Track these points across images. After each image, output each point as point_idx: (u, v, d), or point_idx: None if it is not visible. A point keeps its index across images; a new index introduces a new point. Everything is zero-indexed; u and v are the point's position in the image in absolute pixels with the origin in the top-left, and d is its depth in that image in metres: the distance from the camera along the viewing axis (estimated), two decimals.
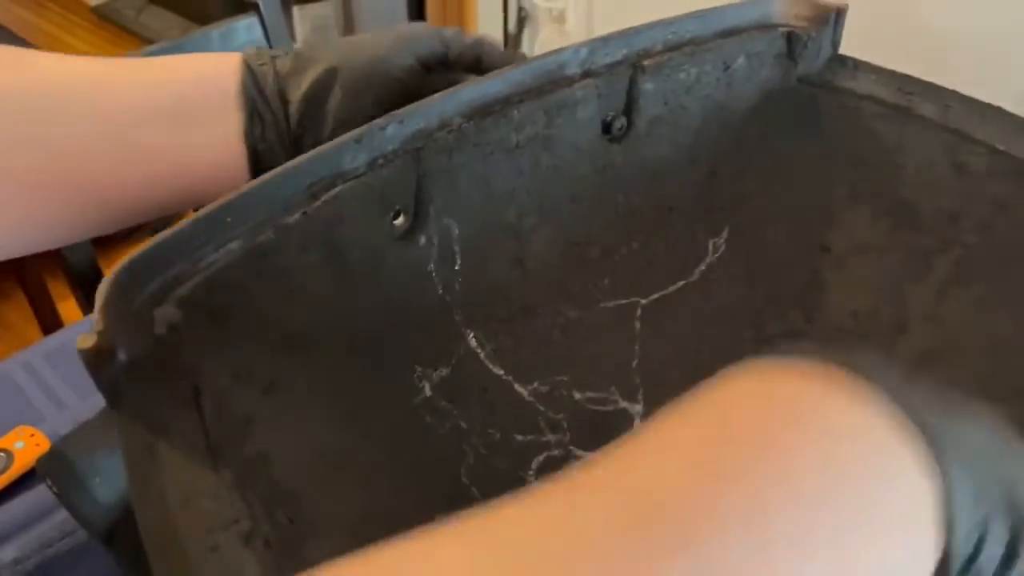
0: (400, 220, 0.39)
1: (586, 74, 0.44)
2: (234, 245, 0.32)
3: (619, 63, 0.45)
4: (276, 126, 0.42)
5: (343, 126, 0.42)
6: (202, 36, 0.88)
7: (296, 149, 0.43)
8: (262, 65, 0.42)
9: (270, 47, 0.94)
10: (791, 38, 0.50)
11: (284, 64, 0.43)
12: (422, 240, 0.40)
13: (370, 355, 0.38)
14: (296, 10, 1.70)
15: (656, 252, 0.50)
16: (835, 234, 0.49)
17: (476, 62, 0.46)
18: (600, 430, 0.44)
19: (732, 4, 0.50)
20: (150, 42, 0.99)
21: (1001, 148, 0.46)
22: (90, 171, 0.39)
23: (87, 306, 0.87)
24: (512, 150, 0.42)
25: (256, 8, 0.91)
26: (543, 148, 0.43)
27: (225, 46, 0.88)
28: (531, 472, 0.40)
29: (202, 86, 0.41)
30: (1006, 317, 0.44)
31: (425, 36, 0.45)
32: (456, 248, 0.41)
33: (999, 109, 0.48)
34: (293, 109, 0.42)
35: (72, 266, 0.84)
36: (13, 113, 0.38)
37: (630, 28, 0.46)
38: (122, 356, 0.28)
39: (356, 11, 1.68)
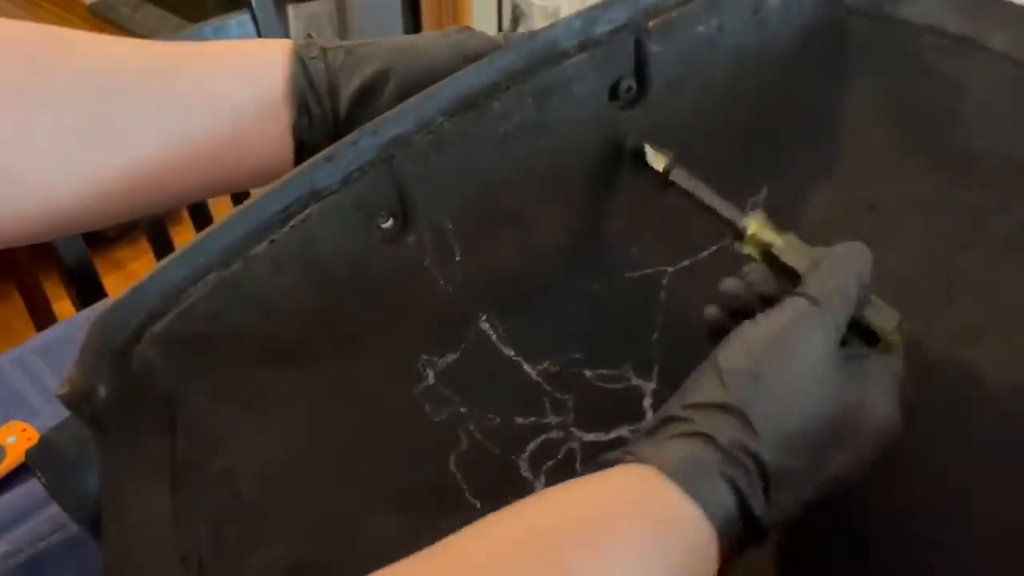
0: (389, 224, 0.41)
1: (583, 46, 0.42)
2: (210, 277, 0.36)
3: (621, 28, 0.43)
4: (323, 121, 0.43)
5: None
6: (194, 33, 0.89)
7: None
8: (313, 58, 0.42)
9: None
10: None
11: (336, 58, 0.43)
12: (411, 240, 0.41)
13: (362, 352, 0.41)
14: (290, 8, 1.68)
15: (686, 216, 0.47)
16: (884, 190, 0.44)
17: None
18: (606, 409, 0.44)
19: None
20: (144, 39, 1.01)
21: None
22: (146, 157, 0.41)
23: (81, 304, 0.88)
24: (500, 140, 0.42)
25: (249, 5, 0.90)
26: (537, 133, 0.42)
27: None
28: (524, 456, 0.42)
29: (256, 76, 0.42)
30: None
31: (478, 44, 0.43)
32: (452, 242, 0.43)
33: None
34: (342, 106, 0.42)
35: (66, 264, 0.86)
36: (72, 98, 0.40)
37: None
38: (101, 393, 0.33)
39: (350, 9, 1.63)
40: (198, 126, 0.41)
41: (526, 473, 0.42)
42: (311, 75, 0.42)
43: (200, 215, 0.99)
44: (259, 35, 0.92)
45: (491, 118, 0.41)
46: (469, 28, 0.45)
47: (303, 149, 0.43)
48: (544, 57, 0.41)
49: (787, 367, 0.31)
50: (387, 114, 0.39)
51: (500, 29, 1.75)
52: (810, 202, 0.46)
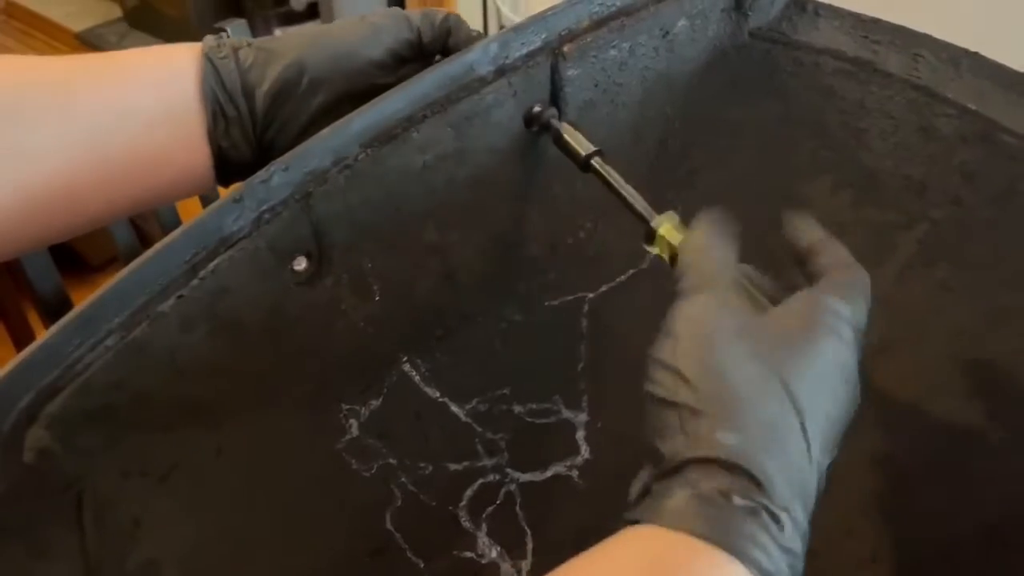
0: (303, 266, 0.38)
1: (500, 72, 0.41)
2: (110, 341, 0.32)
3: (537, 51, 0.41)
4: (240, 123, 0.40)
5: (315, 123, 0.40)
6: None
7: (264, 148, 0.41)
8: (223, 58, 0.40)
9: None
10: None
11: (247, 56, 0.40)
12: (329, 282, 0.38)
13: (284, 406, 0.38)
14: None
15: (604, 240, 0.47)
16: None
17: (446, 44, 0.42)
18: (540, 446, 0.43)
19: None
20: None
21: (972, 107, 0.41)
22: (56, 175, 0.38)
23: None
24: (420, 172, 0.39)
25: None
26: (457, 163, 0.40)
27: None
28: (463, 505, 0.40)
29: (164, 82, 0.40)
30: (967, 302, 0.40)
31: (393, 25, 0.41)
32: (371, 281, 0.40)
33: (976, 56, 0.42)
34: (258, 105, 0.40)
35: (41, 296, 0.83)
36: None
37: (552, 7, 0.42)
38: None
39: None
40: (106, 138, 0.39)
41: (466, 523, 0.40)
42: (222, 76, 0.39)
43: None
44: None
45: (410, 149, 0.39)
46: (395, 9, 0.42)
47: (223, 154, 0.40)
48: (462, 84, 0.39)
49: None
50: (299, 147, 0.36)
51: None
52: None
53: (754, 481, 0.26)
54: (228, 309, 0.35)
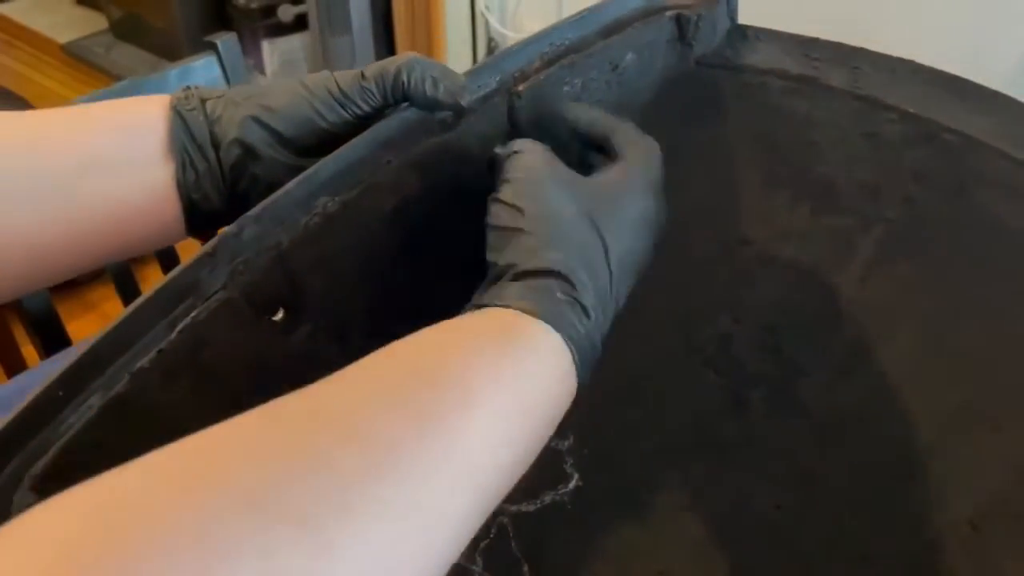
0: (280, 316, 0.38)
1: (458, 114, 0.42)
2: (93, 400, 0.32)
3: (493, 93, 0.43)
4: (210, 174, 0.40)
5: (290, 173, 0.39)
6: (159, 77, 0.89)
7: (237, 198, 0.41)
8: (192, 110, 0.40)
9: (228, 85, 0.93)
10: (680, 20, 0.47)
11: (216, 108, 0.41)
12: (308, 329, 0.39)
13: None
14: (265, 44, 1.70)
15: None
16: (755, 225, 0.47)
17: (407, 91, 0.41)
18: (528, 476, 0.43)
19: None
20: (119, 78, 1.01)
21: (912, 111, 0.43)
22: (21, 226, 0.39)
23: (45, 353, 0.88)
24: (390, 215, 0.40)
25: (214, 47, 0.90)
26: (425, 204, 0.41)
27: (183, 85, 0.89)
28: None
29: (132, 135, 0.40)
30: (932, 297, 0.42)
31: (350, 90, 0.41)
32: (349, 325, 0.40)
33: (911, 64, 0.45)
34: (225, 157, 0.40)
35: (29, 313, 0.86)
36: None
37: (503, 50, 0.44)
38: None
39: (326, 46, 1.66)
40: (74, 192, 0.39)
41: (462, 560, 0.40)
42: (191, 128, 0.40)
43: (165, 252, 0.94)
44: (225, 76, 0.92)
45: (378, 193, 0.40)
46: (352, 75, 0.42)
47: (194, 206, 0.41)
48: (423, 128, 0.41)
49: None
50: (269, 199, 0.37)
51: (475, 61, 1.75)
52: (685, 244, 0.48)
53: (571, 284, 0.34)
54: (209, 362, 0.35)
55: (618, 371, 0.47)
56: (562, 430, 0.46)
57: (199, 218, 0.42)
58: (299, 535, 0.23)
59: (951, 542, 0.38)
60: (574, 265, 0.34)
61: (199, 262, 0.35)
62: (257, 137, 0.40)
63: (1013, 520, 0.37)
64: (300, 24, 1.70)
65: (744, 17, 0.49)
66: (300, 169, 0.40)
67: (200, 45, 0.93)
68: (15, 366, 1.05)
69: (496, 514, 0.42)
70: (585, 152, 0.43)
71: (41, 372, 0.80)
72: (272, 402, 0.28)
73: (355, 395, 0.29)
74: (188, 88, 0.41)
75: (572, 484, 0.43)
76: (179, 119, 0.40)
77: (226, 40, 0.92)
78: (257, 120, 0.40)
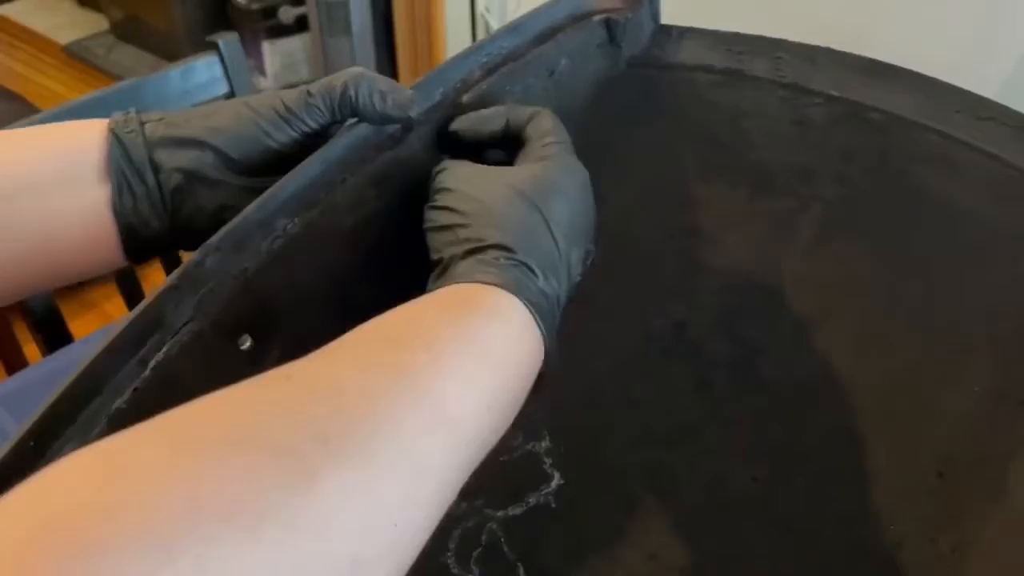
0: (248, 344, 0.37)
1: (407, 128, 0.42)
2: (69, 448, 0.30)
3: (438, 105, 0.43)
4: (149, 198, 0.39)
5: (233, 198, 0.39)
6: (160, 76, 0.87)
7: (180, 224, 0.40)
8: (130, 133, 0.39)
9: (230, 85, 0.92)
10: (609, 24, 0.48)
11: (155, 131, 0.39)
12: (277, 354, 0.38)
13: None
14: (266, 45, 1.68)
15: None
16: (699, 213, 0.49)
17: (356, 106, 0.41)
18: (510, 481, 0.43)
19: (543, 4, 0.48)
20: (120, 79, 0.99)
21: (836, 94, 0.46)
22: None
23: (47, 350, 0.88)
24: (349, 233, 0.40)
25: (216, 47, 0.88)
26: (382, 219, 0.41)
27: (185, 84, 0.89)
28: (450, 553, 0.40)
29: (66, 158, 0.39)
30: (871, 270, 0.44)
31: (296, 108, 0.40)
32: (319, 345, 0.40)
33: (828, 51, 0.47)
34: (165, 180, 0.39)
35: (31, 311, 0.86)
36: None
37: (443, 63, 0.44)
38: None
39: (326, 47, 1.64)
40: (5, 216, 0.38)
41: (457, 571, 0.39)
42: (128, 151, 0.39)
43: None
44: (227, 76, 0.90)
45: (336, 212, 0.39)
46: (298, 92, 0.41)
47: (133, 233, 0.40)
48: (373, 144, 0.41)
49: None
50: (229, 225, 0.36)
51: None
52: (634, 237, 0.49)
53: (512, 251, 0.35)
54: (184, 396, 0.34)
55: (582, 370, 0.48)
56: (536, 431, 0.46)
57: (138, 243, 0.40)
58: (280, 460, 0.24)
59: (922, 491, 0.40)
60: (514, 236, 0.35)
61: (164, 295, 0.34)
62: (201, 160, 0.39)
63: (976, 465, 0.40)
64: (301, 26, 1.69)
65: (671, 18, 0.51)
66: (249, 190, 0.39)
67: (201, 47, 0.92)
68: (16, 365, 1.04)
69: (484, 521, 0.42)
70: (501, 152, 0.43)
71: (41, 369, 0.81)
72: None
73: (327, 359, 0.30)
74: (128, 112, 0.40)
75: (554, 483, 0.43)
76: (117, 142, 0.39)
77: (228, 40, 0.90)
78: (201, 142, 0.39)
